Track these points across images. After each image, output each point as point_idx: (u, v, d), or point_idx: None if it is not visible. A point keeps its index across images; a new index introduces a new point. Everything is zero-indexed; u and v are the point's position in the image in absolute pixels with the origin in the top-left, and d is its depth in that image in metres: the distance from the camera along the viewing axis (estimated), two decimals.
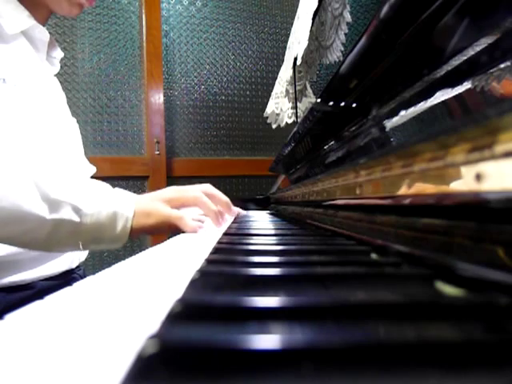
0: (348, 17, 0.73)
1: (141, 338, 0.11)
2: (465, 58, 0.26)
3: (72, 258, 0.73)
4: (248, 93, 1.84)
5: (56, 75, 0.77)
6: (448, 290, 0.19)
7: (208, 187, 0.62)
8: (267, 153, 1.84)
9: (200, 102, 1.76)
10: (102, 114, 1.58)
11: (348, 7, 0.72)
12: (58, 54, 0.77)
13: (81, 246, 0.52)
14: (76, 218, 0.49)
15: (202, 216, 0.62)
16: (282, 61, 1.22)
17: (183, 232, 0.55)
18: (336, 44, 0.79)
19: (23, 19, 0.63)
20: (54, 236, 0.49)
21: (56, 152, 0.67)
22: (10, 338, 0.12)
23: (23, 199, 0.46)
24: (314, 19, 0.85)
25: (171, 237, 0.47)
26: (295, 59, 1.05)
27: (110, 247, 0.54)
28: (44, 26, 0.70)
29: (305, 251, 0.30)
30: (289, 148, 0.87)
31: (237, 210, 0.73)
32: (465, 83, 0.25)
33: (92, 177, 0.78)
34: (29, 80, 0.63)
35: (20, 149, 0.49)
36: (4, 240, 0.50)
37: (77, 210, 0.49)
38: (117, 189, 0.57)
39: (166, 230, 0.56)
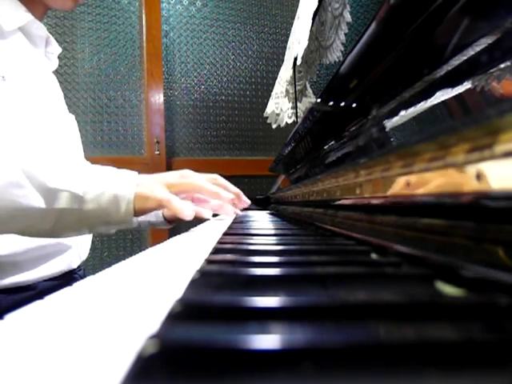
0: (348, 17, 0.73)
1: (141, 338, 0.11)
2: (465, 57, 0.26)
3: (72, 259, 0.73)
4: (248, 93, 1.84)
5: (56, 74, 0.77)
6: (448, 289, 0.19)
7: (216, 177, 0.61)
8: (267, 153, 1.84)
9: (200, 102, 1.76)
10: (101, 114, 1.58)
11: (348, 7, 0.72)
12: (56, 49, 0.76)
13: (103, 230, 0.53)
14: (76, 206, 0.49)
15: (200, 207, 0.61)
16: (282, 61, 1.23)
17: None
18: (336, 44, 0.79)
19: (20, 15, 0.63)
20: (60, 224, 0.49)
21: (52, 143, 0.66)
22: (10, 338, 0.12)
23: (18, 195, 0.45)
24: (314, 19, 0.85)
25: (171, 236, 0.47)
26: (295, 59, 1.05)
27: (119, 228, 0.55)
28: (41, 21, 0.70)
29: (305, 251, 0.30)
30: (289, 148, 0.87)
31: (247, 201, 0.71)
32: (465, 83, 0.25)
33: None
34: (28, 77, 0.63)
35: (7, 143, 0.47)
36: (13, 233, 0.50)
37: (76, 198, 0.49)
38: (120, 170, 0.56)
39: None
